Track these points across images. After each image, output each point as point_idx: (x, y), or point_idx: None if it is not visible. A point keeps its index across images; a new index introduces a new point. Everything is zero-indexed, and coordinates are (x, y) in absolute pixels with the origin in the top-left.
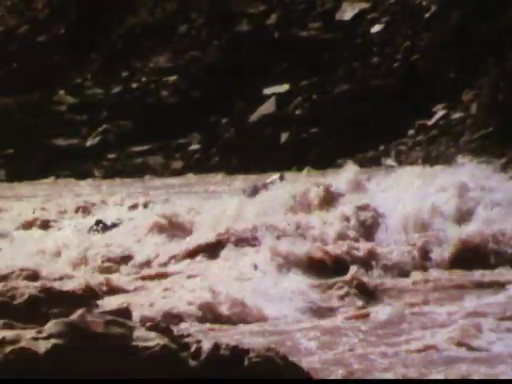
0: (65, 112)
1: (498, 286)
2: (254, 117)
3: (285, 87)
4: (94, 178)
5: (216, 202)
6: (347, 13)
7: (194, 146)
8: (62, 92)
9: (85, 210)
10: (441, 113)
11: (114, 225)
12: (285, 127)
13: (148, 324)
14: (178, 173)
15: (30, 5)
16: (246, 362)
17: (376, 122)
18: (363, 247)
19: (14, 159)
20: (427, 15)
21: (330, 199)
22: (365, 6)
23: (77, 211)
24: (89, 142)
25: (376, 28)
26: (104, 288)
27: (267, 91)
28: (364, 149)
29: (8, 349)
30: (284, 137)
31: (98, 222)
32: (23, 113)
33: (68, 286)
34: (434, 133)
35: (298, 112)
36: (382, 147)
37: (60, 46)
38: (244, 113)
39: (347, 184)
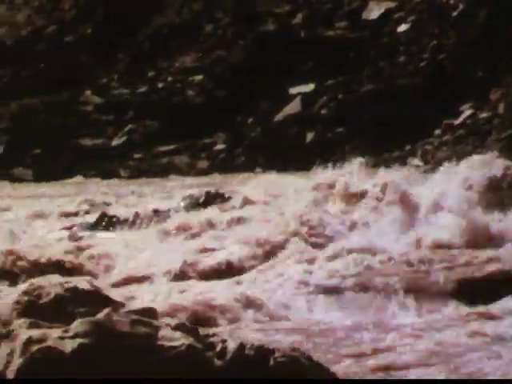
0: (91, 112)
1: None
2: (279, 116)
3: (310, 87)
4: (119, 177)
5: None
6: (374, 12)
7: (220, 146)
8: (88, 92)
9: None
10: (468, 112)
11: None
12: (310, 127)
13: (173, 324)
14: (204, 172)
15: (58, 5)
16: (272, 362)
17: (402, 121)
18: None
19: (41, 159)
20: (454, 14)
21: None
22: (391, 5)
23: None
24: (115, 142)
25: (403, 27)
26: None
27: (293, 91)
28: (390, 148)
29: (34, 348)
30: (309, 136)
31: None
32: (50, 113)
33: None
34: (460, 132)
35: (323, 112)
36: (408, 147)
37: (87, 46)
38: (269, 112)
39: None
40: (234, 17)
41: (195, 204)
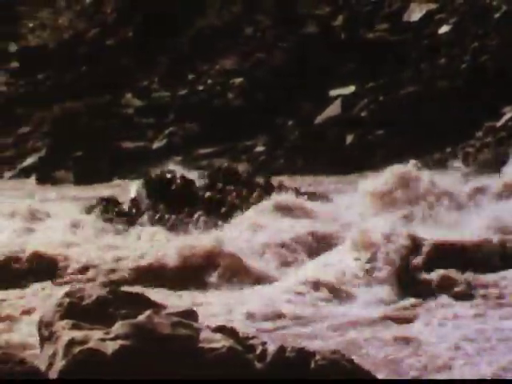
0: (132, 115)
1: None
2: (319, 119)
3: (351, 89)
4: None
5: None
6: (415, 14)
7: (260, 148)
8: (129, 95)
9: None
10: (509, 114)
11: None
12: (350, 129)
13: (214, 326)
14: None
15: (99, 9)
16: (312, 365)
17: (443, 123)
18: None
19: (82, 162)
20: (497, 15)
21: None
22: (433, 6)
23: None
24: (155, 145)
25: (444, 29)
26: None
27: (333, 93)
28: (430, 151)
29: (76, 349)
30: (349, 139)
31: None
32: (91, 116)
33: None
34: (502, 134)
35: (363, 114)
36: (448, 149)
37: (128, 49)
38: (309, 115)
39: None
40: (275, 19)
41: None
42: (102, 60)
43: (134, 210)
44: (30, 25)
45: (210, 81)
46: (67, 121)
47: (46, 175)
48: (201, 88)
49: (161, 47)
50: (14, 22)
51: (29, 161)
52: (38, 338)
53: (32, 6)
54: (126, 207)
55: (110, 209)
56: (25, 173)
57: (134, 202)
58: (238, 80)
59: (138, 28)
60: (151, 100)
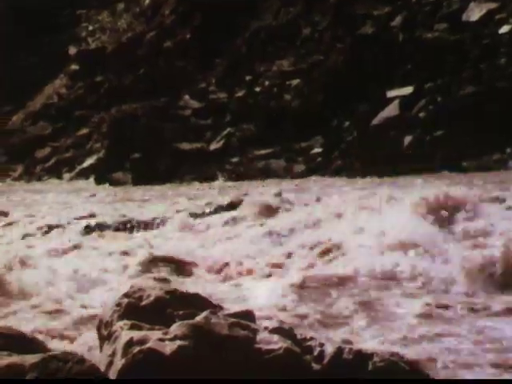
0: (189, 116)
1: None
2: (376, 120)
3: (409, 90)
4: (217, 181)
5: None
6: (474, 13)
7: (317, 150)
8: (187, 96)
9: None
10: None
11: None
12: (408, 130)
13: (271, 327)
14: (300, 176)
15: (158, 11)
16: (370, 367)
17: (502, 124)
18: None
19: (140, 163)
20: None
21: None
22: (493, 6)
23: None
24: (213, 146)
25: (504, 28)
26: None
27: (390, 94)
28: (490, 152)
29: (135, 349)
30: (407, 140)
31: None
32: (149, 117)
33: None
34: None
35: (421, 115)
36: (508, 150)
37: (185, 51)
38: (367, 116)
39: None
40: (332, 20)
41: None
42: (160, 62)
43: None
44: (90, 28)
45: (267, 82)
46: (125, 122)
47: (104, 176)
48: (258, 89)
49: (218, 49)
50: (75, 25)
51: (88, 162)
52: (98, 338)
53: (92, 9)
54: None
55: None
56: (84, 174)
57: None
58: (295, 81)
59: (195, 30)
60: (209, 101)
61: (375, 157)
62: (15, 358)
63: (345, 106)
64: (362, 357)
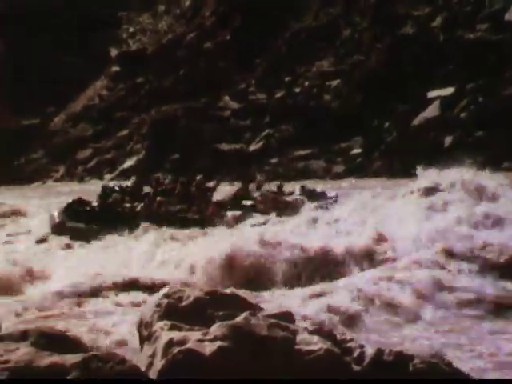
0: (229, 117)
1: None
2: (417, 120)
3: (449, 90)
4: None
5: None
6: None
7: (356, 150)
8: (226, 97)
9: None
10: None
11: None
12: (449, 131)
13: (311, 328)
14: (340, 177)
15: (198, 13)
16: (411, 368)
17: None
18: None
19: (179, 164)
20: None
21: None
22: None
23: None
24: (252, 147)
25: None
26: None
27: (431, 94)
28: None
29: (175, 350)
30: (448, 141)
31: None
32: (189, 118)
33: None
34: None
35: (462, 115)
36: None
37: (225, 52)
38: (407, 116)
39: None
40: (372, 20)
41: None
42: (200, 63)
43: None
44: (131, 30)
45: (306, 83)
46: (165, 124)
47: (144, 177)
48: (297, 90)
49: (258, 50)
50: (116, 27)
51: (128, 163)
52: (138, 338)
53: (133, 11)
54: None
55: None
56: (124, 174)
57: None
58: (335, 82)
59: (235, 31)
60: (248, 102)
61: (415, 157)
62: (57, 358)
63: (385, 106)
64: (403, 358)
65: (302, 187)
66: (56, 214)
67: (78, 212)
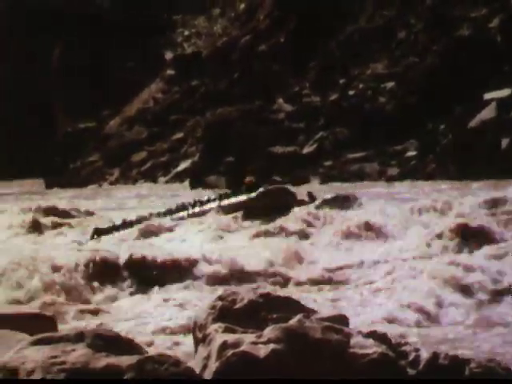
0: (283, 120)
1: None
2: (473, 123)
3: (506, 92)
4: (310, 184)
5: None
6: None
7: (411, 153)
8: (280, 100)
9: None
10: None
11: None
12: (506, 133)
13: (365, 331)
14: (394, 179)
15: (253, 15)
16: (467, 372)
17: None
18: None
19: (234, 167)
20: None
21: None
22: None
23: None
24: (306, 150)
25: None
26: None
27: (488, 96)
28: None
29: (229, 352)
30: (505, 143)
31: None
32: (243, 121)
33: None
34: None
35: None
36: None
37: (279, 54)
38: (463, 118)
39: None
40: (428, 22)
41: None
42: (254, 66)
43: None
44: (186, 33)
45: (361, 85)
46: (219, 126)
47: (198, 180)
48: (352, 92)
49: (312, 52)
50: (171, 30)
51: (182, 166)
52: (193, 340)
53: (188, 14)
54: None
55: None
56: (179, 177)
57: None
58: (390, 84)
59: (289, 34)
60: (302, 105)
61: (471, 160)
62: (112, 359)
63: (440, 108)
64: (459, 362)
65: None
66: None
67: None
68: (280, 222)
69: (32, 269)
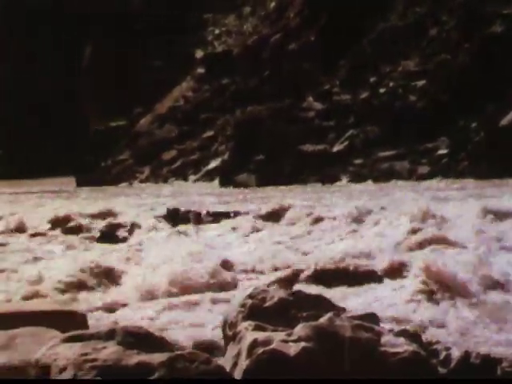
0: (313, 118)
1: None
2: (505, 120)
3: None
4: (340, 182)
5: None
6: None
7: (442, 151)
8: (310, 98)
9: None
10: None
11: None
12: None
13: (396, 330)
14: (424, 178)
15: (283, 14)
16: (499, 371)
17: None
18: None
19: (264, 165)
20: None
21: None
22: None
23: None
24: (336, 148)
25: None
26: None
27: None
28: None
29: (260, 350)
30: None
31: None
32: (273, 119)
33: None
34: None
35: None
36: None
37: (310, 53)
38: (495, 116)
39: None
40: (460, 19)
41: None
42: (285, 64)
43: None
44: (216, 31)
45: (392, 83)
46: (249, 125)
47: (228, 178)
48: (382, 90)
49: (342, 50)
50: (201, 29)
51: (213, 164)
52: (223, 338)
53: (218, 13)
54: None
55: None
56: (209, 176)
57: None
58: (421, 82)
59: (320, 32)
60: (332, 103)
61: (503, 158)
62: (144, 357)
63: (472, 106)
64: (491, 361)
65: None
66: None
67: None
68: None
69: None
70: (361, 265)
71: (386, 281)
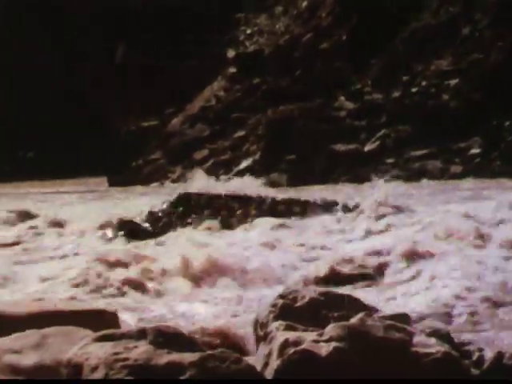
0: (344, 117)
1: None
2: None
3: None
4: (371, 182)
5: None
6: None
7: (475, 150)
8: (342, 98)
9: None
10: None
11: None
12: None
13: (428, 330)
14: (457, 177)
15: (315, 13)
16: None
17: None
18: None
19: (295, 164)
20: None
21: None
22: None
23: None
24: (367, 147)
25: None
26: None
27: None
28: None
29: (291, 350)
30: None
31: None
32: (305, 119)
33: None
34: None
35: None
36: None
37: (342, 52)
38: None
39: None
40: (494, 18)
41: None
42: (316, 63)
43: None
44: (248, 31)
45: (424, 82)
46: (281, 124)
47: (260, 178)
48: (414, 90)
49: (374, 49)
50: (233, 28)
51: (244, 164)
52: (254, 338)
53: (250, 12)
54: None
55: None
56: (240, 175)
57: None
58: (454, 81)
59: (351, 31)
60: (364, 102)
61: None
62: (174, 356)
63: (505, 105)
64: None
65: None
66: None
67: None
68: None
69: None
70: None
71: None
